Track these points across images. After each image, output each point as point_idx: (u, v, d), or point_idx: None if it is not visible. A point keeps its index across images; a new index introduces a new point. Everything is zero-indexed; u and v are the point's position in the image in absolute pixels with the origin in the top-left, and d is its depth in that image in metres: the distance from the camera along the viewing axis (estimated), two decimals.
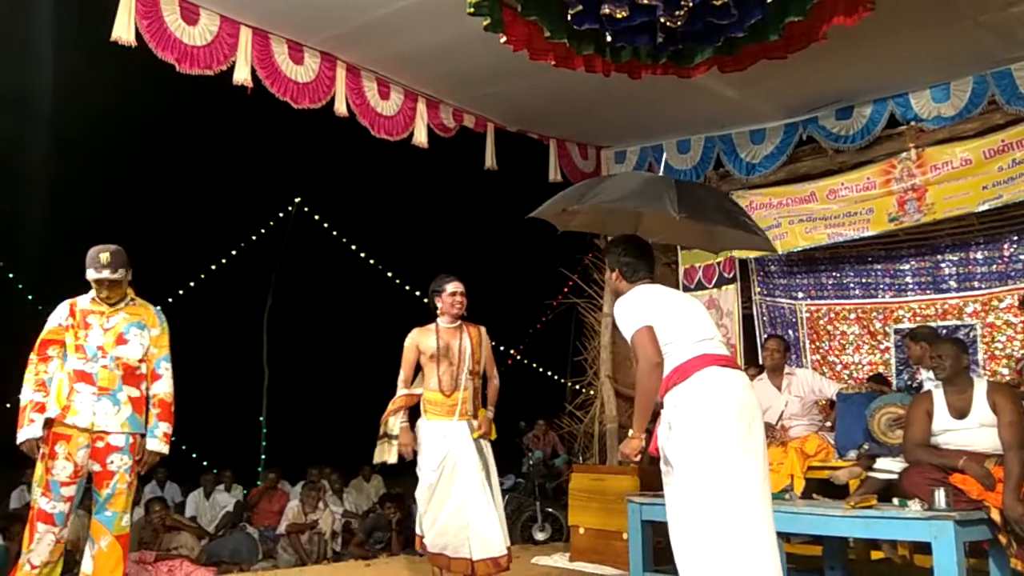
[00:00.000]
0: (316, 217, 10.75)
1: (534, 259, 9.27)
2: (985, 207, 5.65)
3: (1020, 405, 4.06)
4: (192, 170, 12.66)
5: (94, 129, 11.00)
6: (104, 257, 3.96)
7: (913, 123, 5.94)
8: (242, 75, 4.86)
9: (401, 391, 4.75)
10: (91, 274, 3.96)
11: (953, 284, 6.28)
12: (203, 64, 4.73)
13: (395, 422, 4.71)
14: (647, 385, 3.17)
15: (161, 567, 5.56)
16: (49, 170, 11.94)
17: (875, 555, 5.25)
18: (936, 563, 3.67)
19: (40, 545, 3.87)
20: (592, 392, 7.42)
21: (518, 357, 12.23)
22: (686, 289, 6.95)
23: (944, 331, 5.94)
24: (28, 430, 3.87)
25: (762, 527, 3.06)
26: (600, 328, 7.32)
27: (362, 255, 11.02)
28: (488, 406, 4.85)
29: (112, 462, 3.94)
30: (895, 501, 4.06)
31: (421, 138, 5.80)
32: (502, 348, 11.22)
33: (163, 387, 4.12)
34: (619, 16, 3.78)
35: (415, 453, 4.71)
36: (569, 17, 3.98)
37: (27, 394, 3.95)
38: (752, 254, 6.60)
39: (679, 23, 3.79)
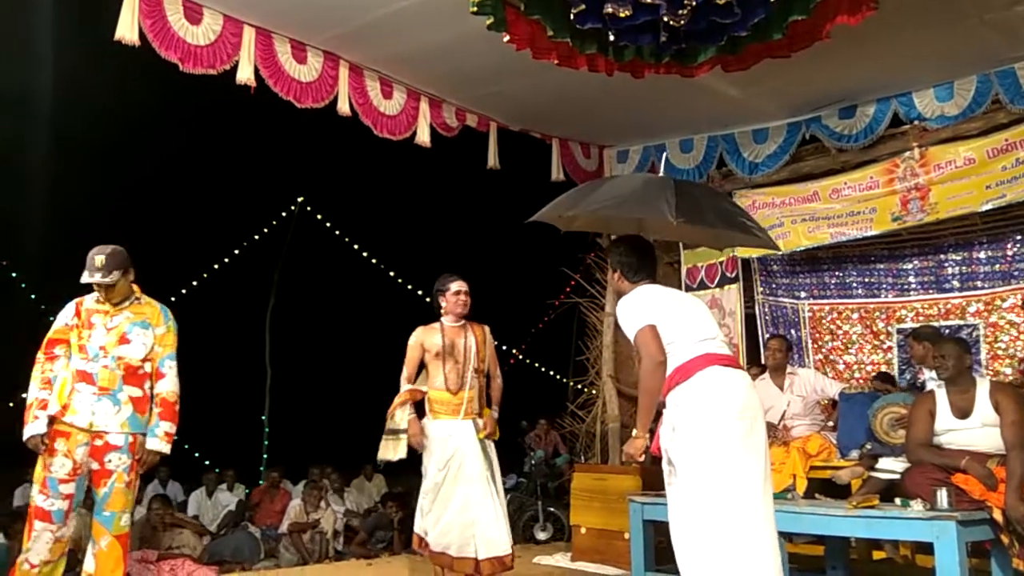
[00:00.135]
0: (319, 217, 10.77)
1: (536, 259, 9.27)
2: (988, 207, 5.64)
3: (1023, 405, 4.05)
4: (195, 170, 12.66)
5: (97, 129, 11.00)
6: (99, 260, 3.92)
7: (916, 122, 5.93)
8: (245, 74, 4.86)
9: (405, 387, 4.75)
10: (84, 277, 3.94)
11: (956, 284, 6.27)
12: (206, 63, 4.73)
13: (402, 415, 4.67)
14: (650, 384, 3.17)
15: (163, 566, 5.56)
16: (52, 170, 11.95)
17: (877, 555, 5.25)
18: (938, 563, 3.66)
19: (37, 544, 3.84)
20: (594, 392, 7.42)
21: (520, 356, 12.23)
22: (688, 288, 6.95)
23: (947, 331, 5.93)
24: (32, 426, 3.87)
25: (764, 527, 3.06)
26: (602, 328, 7.32)
27: (364, 254, 11.03)
28: (492, 406, 4.85)
29: (110, 460, 3.91)
30: (897, 501, 4.06)
31: (424, 137, 5.80)
32: (504, 347, 11.22)
33: (166, 386, 4.08)
34: (622, 15, 3.78)
35: (421, 449, 4.69)
36: (572, 16, 3.97)
37: (33, 392, 3.95)
38: (755, 253, 6.59)
39: (682, 22, 3.79)
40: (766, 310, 6.97)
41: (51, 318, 4.19)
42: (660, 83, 4.93)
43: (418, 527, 4.78)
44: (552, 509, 7.58)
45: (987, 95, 5.60)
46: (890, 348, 6.43)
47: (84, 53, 8.59)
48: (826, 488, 4.94)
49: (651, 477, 5.24)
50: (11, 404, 8.15)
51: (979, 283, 6.16)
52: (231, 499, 8.06)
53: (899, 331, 6.38)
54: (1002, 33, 5.04)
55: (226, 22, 4.82)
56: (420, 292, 10.73)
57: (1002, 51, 5.30)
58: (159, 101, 10.12)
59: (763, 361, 6.22)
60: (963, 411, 4.20)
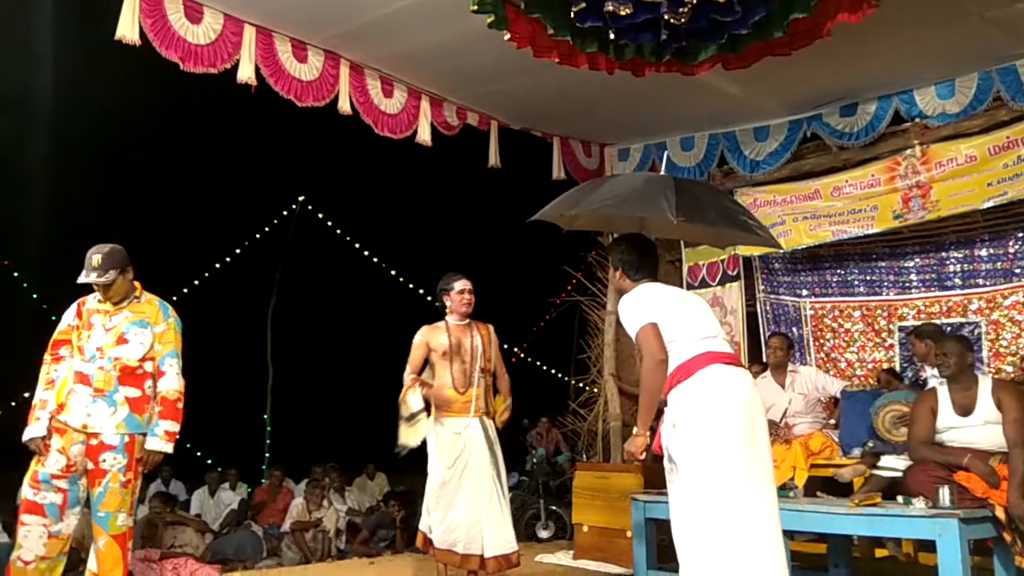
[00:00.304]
0: (320, 215, 10.77)
1: (538, 257, 9.28)
2: (990, 204, 5.63)
3: None
4: (196, 169, 12.68)
5: (98, 128, 11.01)
6: (96, 260, 3.89)
7: (918, 120, 5.92)
8: (246, 73, 4.86)
9: (409, 377, 4.71)
10: (81, 277, 3.91)
11: (958, 281, 6.26)
12: (207, 63, 4.73)
13: (414, 396, 4.63)
14: (651, 382, 3.18)
15: (166, 565, 5.57)
16: (54, 169, 11.96)
17: (879, 553, 5.24)
18: (940, 561, 3.66)
19: (28, 539, 3.77)
20: (596, 390, 7.42)
21: (522, 355, 12.24)
22: (690, 287, 6.94)
23: (949, 328, 5.94)
24: (31, 428, 3.86)
25: (766, 525, 3.06)
26: (604, 326, 7.32)
27: (365, 253, 11.03)
28: (504, 397, 4.85)
29: (104, 460, 3.86)
30: (899, 499, 4.06)
31: (425, 136, 5.80)
32: (506, 346, 11.19)
33: (167, 384, 4.03)
34: (623, 13, 3.77)
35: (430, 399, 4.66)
36: (572, 14, 3.97)
37: (37, 393, 3.95)
38: (757, 251, 6.59)
39: (683, 20, 3.79)
40: (768, 308, 6.97)
41: (54, 317, 4.20)
42: (661, 81, 4.93)
43: (423, 525, 4.79)
44: (554, 507, 7.58)
45: (988, 92, 5.59)
46: (892, 346, 6.43)
47: (85, 52, 8.60)
48: (828, 486, 4.94)
49: (653, 475, 5.24)
50: (13, 403, 8.17)
51: (981, 280, 6.16)
52: (233, 498, 8.07)
53: (901, 329, 6.38)
54: (1003, 30, 5.03)
55: (226, 21, 4.82)
56: (421, 291, 10.74)
57: (1003, 48, 5.30)
58: (160, 100, 10.14)
59: (765, 359, 6.22)
60: (965, 409, 4.20)
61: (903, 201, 5.96)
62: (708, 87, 5.56)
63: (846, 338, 6.66)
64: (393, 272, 11.16)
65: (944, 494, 3.82)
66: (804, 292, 6.93)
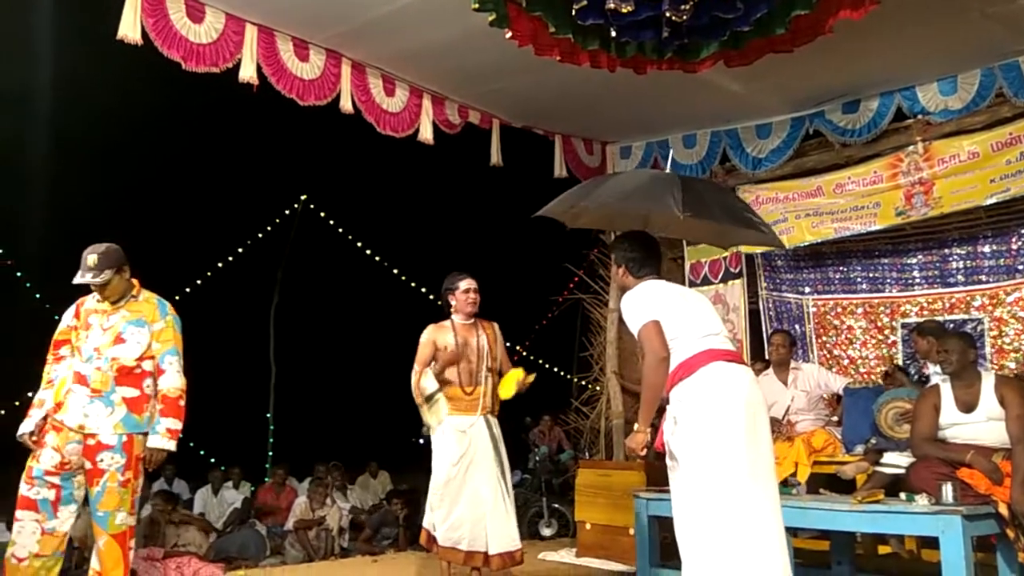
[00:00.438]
0: (322, 214, 10.79)
1: (540, 255, 9.29)
2: (993, 200, 5.62)
3: None
4: (198, 168, 12.70)
5: (100, 128, 11.04)
6: (91, 260, 3.87)
7: (920, 116, 5.91)
8: (248, 73, 4.86)
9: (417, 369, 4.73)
10: (77, 277, 3.89)
11: (960, 278, 6.25)
12: (209, 62, 4.73)
13: (427, 379, 4.63)
14: (653, 379, 3.18)
15: (169, 564, 5.57)
16: (56, 169, 11.99)
17: (882, 550, 5.24)
18: (943, 558, 3.66)
19: (22, 536, 3.76)
20: (598, 388, 7.42)
21: (524, 353, 12.24)
22: (692, 284, 6.94)
23: (951, 325, 5.93)
24: (23, 424, 3.89)
25: (769, 522, 3.06)
26: (606, 324, 7.31)
27: (368, 252, 11.04)
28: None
29: (102, 460, 3.83)
30: (902, 496, 4.06)
31: (426, 134, 5.80)
32: (508, 344, 11.21)
33: (167, 382, 4.01)
34: (624, 11, 3.77)
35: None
36: (574, 12, 3.96)
37: (39, 392, 3.96)
38: (759, 249, 6.58)
39: (684, 18, 3.78)
40: (770, 305, 6.96)
41: (56, 317, 4.20)
42: (662, 79, 4.92)
43: (427, 522, 4.79)
44: (557, 505, 7.59)
45: (991, 89, 5.58)
46: (894, 343, 6.42)
47: (86, 52, 8.61)
48: (831, 483, 4.93)
49: (656, 473, 5.24)
50: (17, 403, 8.18)
51: (983, 277, 6.15)
52: (237, 496, 8.09)
53: (904, 326, 6.38)
54: (1006, 26, 5.02)
55: (228, 20, 4.82)
56: (423, 289, 10.75)
57: (1006, 44, 5.28)
58: (162, 100, 10.16)
59: (767, 356, 6.22)
60: (968, 405, 4.19)
61: (906, 198, 5.95)
62: (710, 84, 5.55)
63: (849, 335, 6.66)
64: (395, 271, 11.17)
65: (947, 491, 3.82)
66: (807, 289, 6.92)
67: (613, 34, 4.12)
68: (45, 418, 3.90)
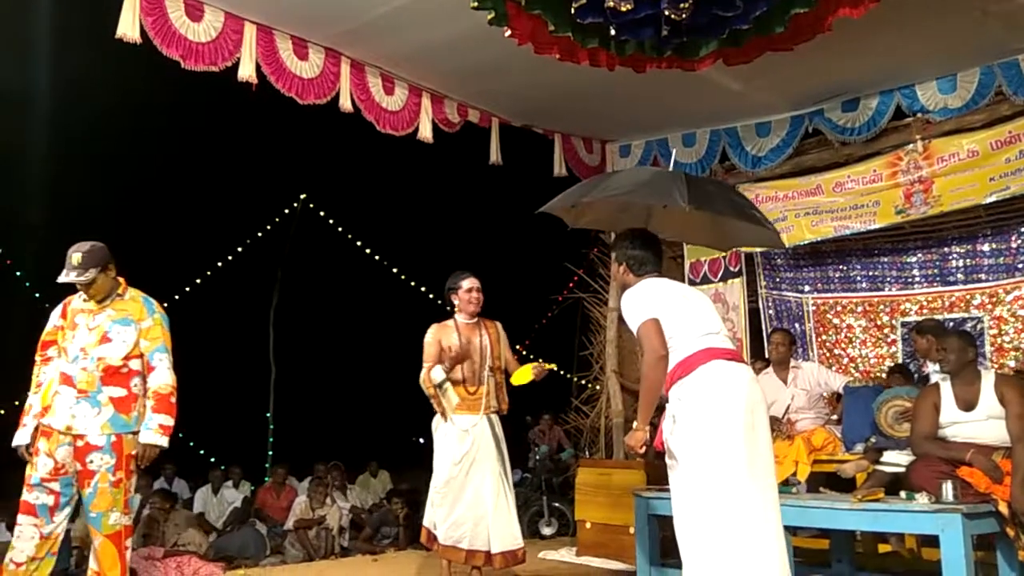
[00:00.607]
0: (321, 213, 10.78)
1: (539, 254, 9.29)
2: (992, 199, 5.62)
3: None
4: (197, 167, 12.69)
5: (99, 127, 11.03)
6: (75, 258, 3.84)
7: (919, 115, 5.91)
8: (247, 71, 4.86)
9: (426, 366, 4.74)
10: (62, 276, 3.86)
11: (960, 276, 6.24)
12: (208, 61, 4.73)
13: (435, 370, 4.66)
14: (652, 378, 3.18)
15: (169, 563, 5.58)
16: (55, 168, 11.98)
17: (882, 548, 5.24)
18: (944, 556, 3.65)
19: (21, 540, 3.76)
20: (598, 387, 7.42)
21: (524, 352, 12.23)
22: (691, 283, 6.93)
23: (951, 324, 5.92)
24: (17, 435, 3.87)
25: (768, 521, 3.06)
26: (606, 323, 7.31)
27: (367, 251, 11.03)
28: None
29: (92, 461, 3.81)
30: (902, 494, 4.05)
31: (426, 133, 5.80)
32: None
33: (158, 379, 3.96)
34: (623, 9, 3.76)
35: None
36: (573, 11, 3.96)
37: (29, 397, 3.94)
38: (759, 248, 6.58)
39: (684, 16, 3.77)
40: (770, 304, 6.96)
41: None
42: (662, 77, 4.91)
43: (427, 520, 4.80)
44: (557, 504, 7.59)
45: (990, 87, 5.58)
46: (894, 341, 6.42)
47: (85, 51, 8.61)
48: (831, 482, 4.93)
49: (656, 472, 5.24)
50: (16, 403, 8.18)
51: (983, 276, 6.14)
52: (237, 496, 8.09)
53: (903, 324, 6.37)
54: (1005, 24, 5.02)
55: (227, 19, 4.82)
56: (423, 288, 10.74)
57: (1005, 42, 5.28)
58: (161, 99, 10.14)
59: (767, 355, 6.21)
60: (968, 404, 4.19)
61: (905, 196, 5.95)
62: (709, 83, 5.55)
63: (848, 334, 6.65)
64: (395, 270, 11.16)
65: (947, 489, 3.81)
66: (806, 288, 6.92)
67: (612, 32, 4.11)
68: (35, 425, 3.88)
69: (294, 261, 10.71)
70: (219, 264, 10.26)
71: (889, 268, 6.59)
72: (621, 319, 3.51)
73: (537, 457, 8.26)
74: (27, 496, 3.81)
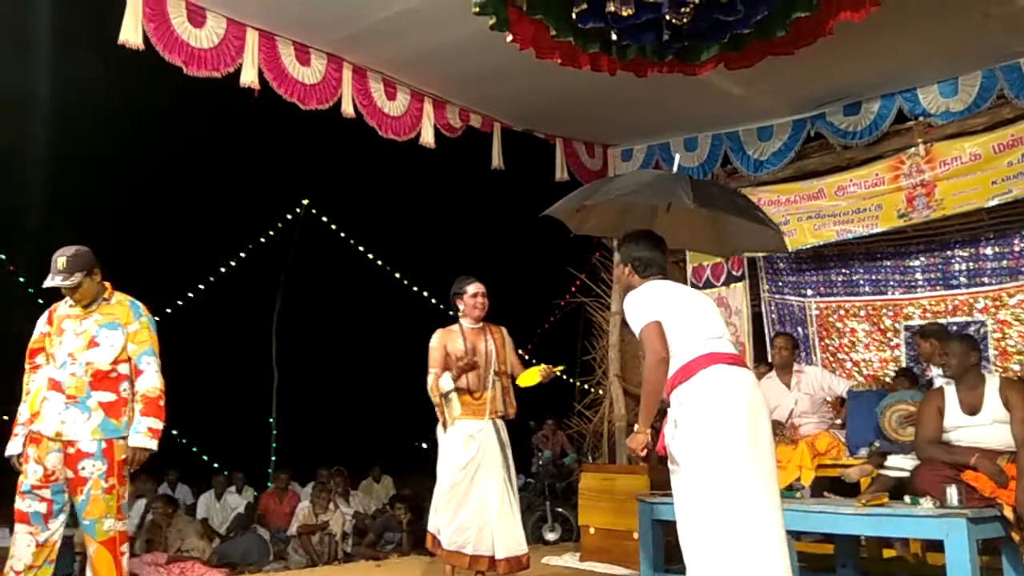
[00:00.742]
0: (324, 219, 10.77)
1: (542, 258, 9.27)
2: (995, 202, 5.61)
3: None
4: (199, 173, 12.69)
5: (102, 133, 11.04)
6: (60, 263, 3.83)
7: (921, 118, 5.91)
8: (249, 77, 4.87)
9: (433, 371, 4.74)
10: (47, 281, 3.86)
11: (963, 280, 6.23)
12: (210, 66, 4.74)
13: (443, 379, 4.65)
14: (653, 380, 3.18)
15: (173, 569, 5.58)
16: (58, 173, 11.99)
17: (887, 553, 5.23)
18: (948, 561, 3.64)
19: (18, 548, 3.74)
20: (601, 391, 7.42)
21: (527, 357, 12.21)
22: (694, 287, 6.92)
23: (955, 327, 5.91)
24: (10, 445, 3.86)
25: (770, 525, 3.05)
26: (608, 327, 7.31)
27: (370, 256, 11.02)
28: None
29: (83, 468, 3.79)
30: (907, 499, 4.04)
31: (428, 138, 5.81)
32: None
33: (147, 383, 3.94)
34: (624, 14, 3.76)
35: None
36: (574, 16, 3.96)
37: (20, 406, 3.93)
38: (762, 252, 6.57)
39: (685, 20, 3.77)
40: (772, 308, 6.95)
41: None
42: (663, 82, 4.92)
43: (431, 526, 4.79)
44: (560, 509, 7.57)
45: (992, 90, 5.58)
46: (897, 345, 6.40)
47: (88, 57, 8.63)
48: (835, 486, 4.92)
49: (659, 477, 5.23)
50: (16, 407, 8.18)
51: (986, 279, 6.13)
52: (240, 501, 8.08)
53: (907, 328, 6.36)
54: (1007, 27, 5.01)
55: (229, 25, 4.83)
56: (426, 293, 10.74)
57: (1007, 46, 5.28)
58: (164, 104, 10.15)
59: (770, 359, 6.20)
60: (972, 408, 4.18)
61: (907, 200, 5.94)
62: (711, 87, 5.55)
63: (851, 338, 6.64)
64: (397, 275, 11.16)
65: (952, 494, 3.80)
66: (809, 292, 6.91)
67: (613, 37, 4.12)
68: (25, 434, 3.86)
69: (297, 267, 10.71)
70: (222, 270, 10.24)
71: (892, 272, 6.58)
72: (624, 323, 3.51)
73: (540, 462, 8.24)
74: (20, 504, 3.80)
